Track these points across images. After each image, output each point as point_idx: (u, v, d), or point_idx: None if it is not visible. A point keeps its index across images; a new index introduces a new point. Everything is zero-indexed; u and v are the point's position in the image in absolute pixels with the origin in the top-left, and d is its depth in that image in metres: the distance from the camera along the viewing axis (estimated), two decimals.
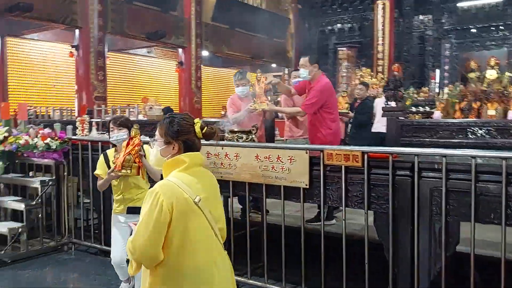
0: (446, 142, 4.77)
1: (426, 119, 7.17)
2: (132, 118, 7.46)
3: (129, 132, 3.46)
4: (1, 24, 10.67)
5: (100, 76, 9.94)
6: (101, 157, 3.68)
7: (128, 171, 3.33)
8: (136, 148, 3.33)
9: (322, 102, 4.43)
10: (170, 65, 15.24)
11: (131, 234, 1.97)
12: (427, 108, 8.77)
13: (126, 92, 13.96)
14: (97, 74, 9.92)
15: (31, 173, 5.40)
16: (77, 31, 9.99)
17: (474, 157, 2.77)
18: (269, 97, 4.45)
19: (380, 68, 16.38)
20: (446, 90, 10.65)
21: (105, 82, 10.22)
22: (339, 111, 6.40)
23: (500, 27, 14.84)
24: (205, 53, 13.90)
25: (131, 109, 8.45)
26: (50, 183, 4.97)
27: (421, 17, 16.55)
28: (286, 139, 5.18)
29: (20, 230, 4.74)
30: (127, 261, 3.25)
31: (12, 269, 4.51)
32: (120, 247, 3.54)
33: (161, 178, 2.05)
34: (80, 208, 5.27)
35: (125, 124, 3.60)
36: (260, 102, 4.41)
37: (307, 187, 3.42)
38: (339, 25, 18.56)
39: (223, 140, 3.93)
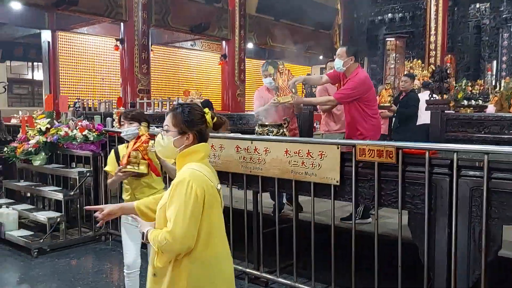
0: (495, 137, 4.43)
1: (474, 113, 6.73)
2: None
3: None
4: (52, 19, 11.08)
5: (144, 69, 10.10)
6: (112, 153, 3.41)
7: (136, 168, 3.07)
8: (145, 144, 3.10)
9: (358, 95, 4.21)
10: (213, 57, 15.31)
11: (143, 238, 1.93)
12: (480, 102, 8.27)
13: (170, 85, 14.17)
14: (141, 67, 10.08)
15: (73, 164, 5.54)
16: (122, 24, 10.18)
17: None
18: (293, 90, 4.25)
19: (432, 60, 15.71)
20: (502, 83, 10.04)
21: (149, 75, 10.38)
22: (382, 105, 6.13)
23: None
24: (249, 45, 13.83)
25: (172, 102, 8.49)
26: (88, 174, 5.07)
27: (477, 5, 15.69)
28: (323, 134, 5.00)
29: (58, 219, 4.86)
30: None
31: (50, 257, 4.63)
32: (133, 251, 3.19)
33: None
34: (117, 199, 5.33)
35: (137, 118, 3.31)
36: (284, 95, 4.25)
37: (338, 184, 3.25)
38: (389, 15, 17.93)
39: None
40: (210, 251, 1.88)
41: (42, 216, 4.90)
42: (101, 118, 6.38)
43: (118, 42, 10.35)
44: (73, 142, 5.16)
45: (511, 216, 2.55)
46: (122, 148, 3.35)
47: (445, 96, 5.98)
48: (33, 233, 5.02)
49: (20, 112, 7.32)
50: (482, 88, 12.36)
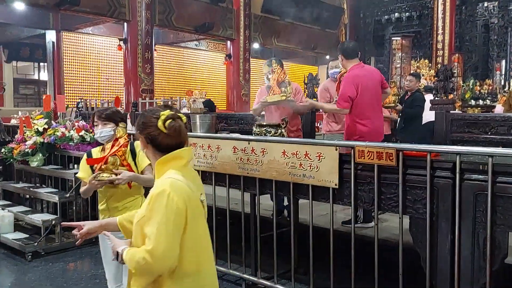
0: (502, 139, 4.25)
1: (481, 113, 6.57)
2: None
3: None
4: (57, 19, 11.04)
5: (147, 69, 10.04)
6: (84, 157, 2.97)
7: (113, 176, 2.70)
8: (123, 149, 2.76)
9: (354, 93, 4.03)
10: (218, 57, 15.23)
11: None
12: (488, 102, 8.10)
13: (174, 85, 14.11)
14: (144, 67, 10.02)
15: (71, 165, 5.46)
16: (125, 24, 10.13)
17: None
18: (282, 89, 4.08)
19: (439, 59, 15.52)
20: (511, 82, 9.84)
21: (152, 75, 10.32)
22: (386, 104, 5.97)
23: None
24: (255, 45, 13.73)
25: (174, 102, 8.41)
26: None
27: (485, 3, 15.46)
28: (324, 134, 4.87)
29: (53, 222, 4.77)
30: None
31: (45, 261, 4.55)
32: (112, 264, 2.87)
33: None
34: None
35: (112, 118, 2.88)
36: (273, 94, 4.09)
37: (337, 187, 3.13)
38: (396, 14, 17.74)
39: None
40: (196, 269, 1.72)
41: (37, 218, 4.81)
42: None
43: (122, 42, 10.28)
44: (70, 143, 5.08)
45: None
46: (96, 152, 2.96)
47: (450, 96, 5.83)
48: (28, 236, 4.94)
49: (19, 113, 7.27)
50: (490, 87, 12.16)
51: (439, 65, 13.55)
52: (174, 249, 1.63)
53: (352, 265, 3.11)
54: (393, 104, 6.25)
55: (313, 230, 3.34)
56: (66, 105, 5.88)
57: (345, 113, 4.23)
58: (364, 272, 3.15)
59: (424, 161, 2.74)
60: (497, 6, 15.17)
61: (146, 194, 2.34)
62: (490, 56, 15.39)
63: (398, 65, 13.15)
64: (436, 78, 5.63)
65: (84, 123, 5.07)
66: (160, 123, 1.74)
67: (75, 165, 5.40)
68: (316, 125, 6.34)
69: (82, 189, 2.90)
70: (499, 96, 8.92)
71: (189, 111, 8.79)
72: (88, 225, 1.98)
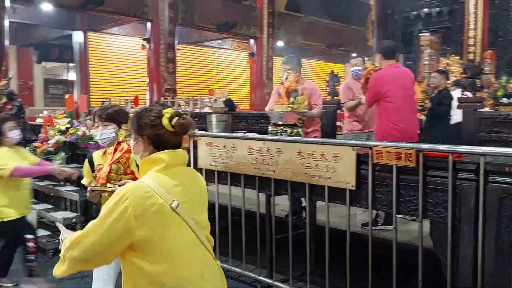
0: None
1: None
2: (196, 111, 7.37)
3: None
4: (83, 20, 11.20)
5: (170, 68, 10.07)
6: (86, 163, 2.79)
7: (116, 186, 2.39)
8: (126, 155, 2.48)
9: (377, 94, 3.99)
10: (242, 56, 15.17)
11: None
12: None
13: (197, 84, 14.12)
14: (167, 66, 10.06)
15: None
16: (148, 24, 10.19)
17: None
18: (291, 99, 3.64)
19: (471, 56, 15.04)
20: None
21: (175, 74, 10.35)
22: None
23: None
24: (279, 43, 13.61)
25: (196, 101, 8.39)
26: None
27: None
28: (345, 134, 4.74)
29: (74, 220, 4.81)
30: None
31: None
32: (101, 274, 2.76)
33: None
34: None
35: (114, 118, 2.64)
36: (281, 103, 3.71)
37: (354, 188, 3.01)
38: (425, 10, 17.26)
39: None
40: (169, 274, 1.62)
41: (58, 216, 4.86)
42: None
43: (145, 41, 10.35)
44: (90, 142, 5.12)
45: None
46: (97, 156, 2.77)
47: (481, 94, 5.59)
48: (51, 233, 4.99)
49: (45, 112, 7.39)
50: None
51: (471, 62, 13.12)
52: (99, 248, 1.60)
53: (369, 268, 3.00)
54: (422, 103, 6.00)
55: (331, 232, 3.25)
56: (89, 105, 5.94)
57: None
58: (383, 276, 3.03)
59: (445, 162, 2.61)
60: None
61: None
62: None
63: (427, 62, 12.79)
64: (464, 75, 5.39)
65: None
66: (165, 121, 1.69)
67: None
68: (339, 124, 6.21)
69: (87, 195, 2.59)
70: None
71: (211, 111, 8.79)
72: None
